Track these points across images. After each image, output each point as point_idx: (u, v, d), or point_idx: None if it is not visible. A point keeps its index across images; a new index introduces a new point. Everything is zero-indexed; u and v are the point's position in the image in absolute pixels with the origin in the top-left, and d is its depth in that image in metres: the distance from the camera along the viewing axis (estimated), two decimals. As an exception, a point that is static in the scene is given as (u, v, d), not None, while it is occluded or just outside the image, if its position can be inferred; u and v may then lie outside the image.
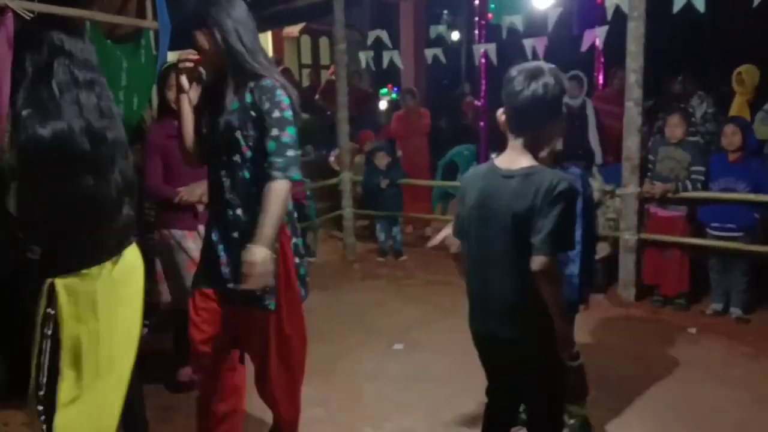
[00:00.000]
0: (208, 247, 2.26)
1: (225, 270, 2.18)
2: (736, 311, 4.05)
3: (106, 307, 1.97)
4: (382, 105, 8.98)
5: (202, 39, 2.12)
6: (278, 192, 2.04)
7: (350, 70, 7.43)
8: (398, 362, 3.50)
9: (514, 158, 1.83)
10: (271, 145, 2.06)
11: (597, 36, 4.91)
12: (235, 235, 2.16)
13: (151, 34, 3.90)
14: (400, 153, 6.25)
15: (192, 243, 3.04)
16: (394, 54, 5.56)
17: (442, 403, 3.01)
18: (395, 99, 9.49)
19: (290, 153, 2.07)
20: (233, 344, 2.30)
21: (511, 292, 1.82)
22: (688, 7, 3.95)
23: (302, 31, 11.38)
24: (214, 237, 2.21)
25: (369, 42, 5.59)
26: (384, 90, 9.80)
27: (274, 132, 2.06)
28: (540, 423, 1.99)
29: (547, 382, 1.92)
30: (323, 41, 11.92)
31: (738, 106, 5.14)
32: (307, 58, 12.04)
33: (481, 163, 5.70)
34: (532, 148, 1.82)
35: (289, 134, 2.07)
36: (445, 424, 2.85)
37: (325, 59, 12.09)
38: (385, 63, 5.56)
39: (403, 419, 2.89)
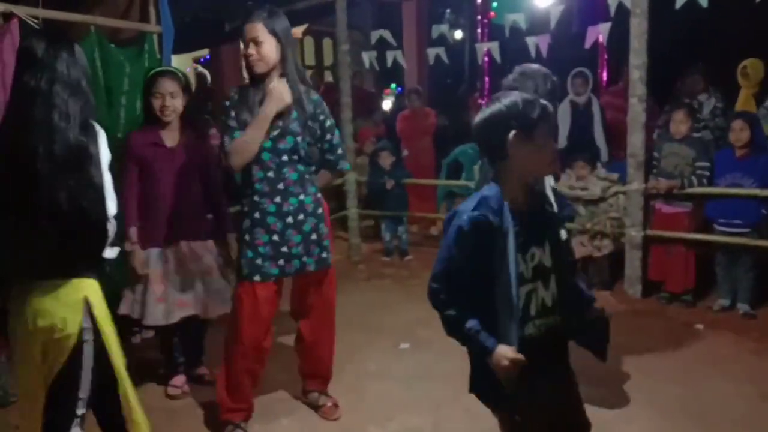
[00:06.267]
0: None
1: (297, 250, 2.65)
2: (743, 307, 4.03)
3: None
4: (386, 105, 8.97)
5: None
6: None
7: (353, 71, 7.40)
8: (403, 362, 3.50)
9: None
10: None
11: (600, 33, 4.89)
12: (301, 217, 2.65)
13: (155, 38, 3.92)
14: (405, 153, 6.24)
15: (158, 260, 3.00)
16: (397, 53, 5.56)
17: (448, 402, 3.01)
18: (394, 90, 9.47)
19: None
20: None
21: None
22: (691, 1, 3.93)
23: (305, 33, 11.40)
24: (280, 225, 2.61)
25: (372, 42, 5.59)
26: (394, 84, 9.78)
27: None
28: None
29: None
30: (326, 42, 11.94)
31: (743, 100, 5.12)
32: (310, 60, 12.07)
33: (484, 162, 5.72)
34: None
35: None
36: (451, 423, 2.85)
37: (328, 60, 12.11)
38: (389, 63, 5.56)
39: (409, 418, 2.90)
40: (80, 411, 1.96)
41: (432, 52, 5.46)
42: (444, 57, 5.39)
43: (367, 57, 5.63)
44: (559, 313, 1.78)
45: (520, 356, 1.63)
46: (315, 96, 2.76)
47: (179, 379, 3.19)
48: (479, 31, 5.71)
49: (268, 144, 2.59)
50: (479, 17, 5.72)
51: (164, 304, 2.99)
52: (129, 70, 3.72)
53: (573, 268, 2.02)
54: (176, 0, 3.96)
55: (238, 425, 2.74)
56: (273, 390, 3.13)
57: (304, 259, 2.68)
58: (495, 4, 5.87)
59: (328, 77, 11.14)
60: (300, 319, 2.88)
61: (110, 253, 1.98)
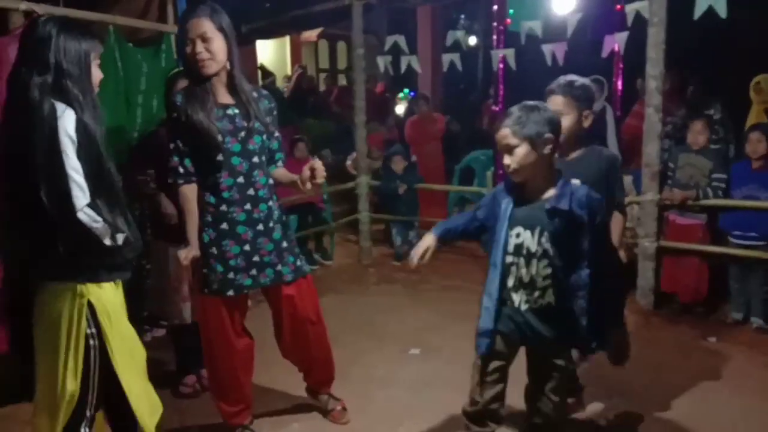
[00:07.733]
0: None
1: (270, 258, 2.52)
2: (756, 321, 3.98)
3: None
4: (399, 109, 8.98)
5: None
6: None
7: (366, 75, 7.43)
8: (412, 367, 3.49)
9: None
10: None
11: (617, 42, 4.87)
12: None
13: (173, 38, 3.95)
14: (414, 158, 6.25)
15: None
16: (412, 59, 5.56)
17: (455, 408, 2.96)
18: (404, 97, 9.47)
19: None
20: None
21: None
22: (709, 12, 3.90)
23: (320, 36, 11.46)
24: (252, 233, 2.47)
25: (387, 47, 5.60)
26: (403, 93, 9.80)
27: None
28: None
29: None
30: (341, 46, 12.01)
31: (755, 115, 5.07)
32: (324, 63, 12.13)
33: (497, 168, 5.71)
34: None
35: None
36: (458, 429, 2.84)
37: (342, 64, 12.17)
38: (403, 68, 5.56)
39: (416, 424, 2.89)
40: (89, 413, 1.98)
41: (446, 58, 5.45)
42: (458, 63, 5.38)
43: (382, 61, 5.64)
44: (544, 295, 2.10)
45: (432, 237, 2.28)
46: (264, 92, 2.62)
47: (191, 378, 3.20)
48: (495, 37, 5.68)
49: (237, 147, 2.41)
50: (495, 24, 5.69)
51: (190, 303, 3.04)
52: (146, 70, 3.76)
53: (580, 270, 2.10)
54: (194, 0, 3.98)
55: (247, 427, 2.74)
56: (282, 394, 3.14)
57: (279, 267, 2.54)
58: (511, 11, 5.85)
59: (342, 81, 11.18)
60: (287, 347, 2.77)
61: (111, 241, 1.90)
